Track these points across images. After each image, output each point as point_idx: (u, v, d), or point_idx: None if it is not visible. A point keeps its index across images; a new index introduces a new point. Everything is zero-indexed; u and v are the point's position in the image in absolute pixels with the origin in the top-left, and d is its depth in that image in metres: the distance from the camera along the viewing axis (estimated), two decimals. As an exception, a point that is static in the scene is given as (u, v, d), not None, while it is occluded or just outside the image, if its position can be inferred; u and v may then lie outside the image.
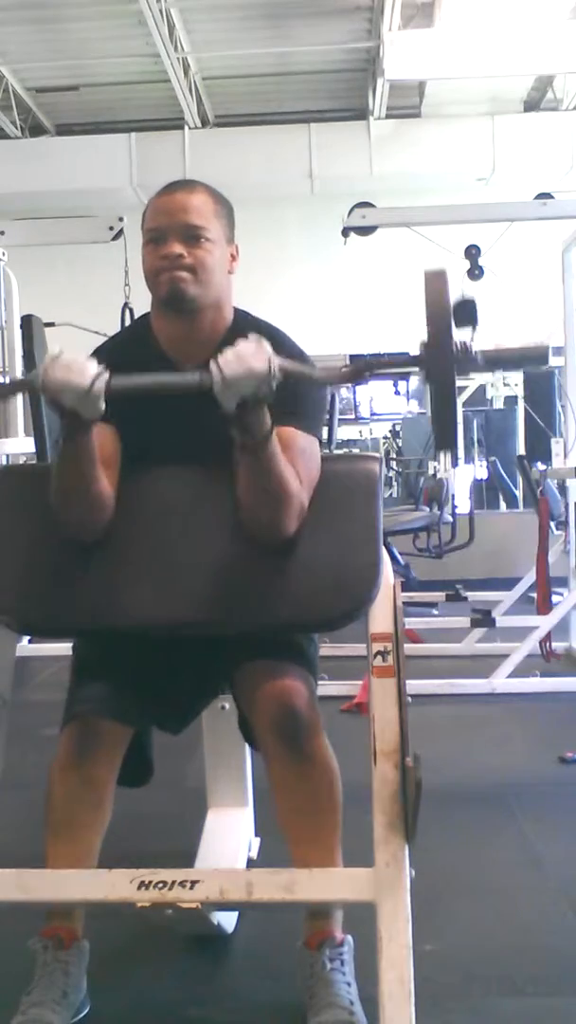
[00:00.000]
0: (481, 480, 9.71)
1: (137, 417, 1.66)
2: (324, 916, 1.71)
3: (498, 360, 1.53)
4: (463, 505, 8.57)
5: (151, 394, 1.58)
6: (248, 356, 1.47)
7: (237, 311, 1.78)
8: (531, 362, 1.81)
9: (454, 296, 1.51)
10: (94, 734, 1.69)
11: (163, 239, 1.66)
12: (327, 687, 3.80)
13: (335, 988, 1.62)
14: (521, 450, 8.58)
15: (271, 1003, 1.78)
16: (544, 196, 5.12)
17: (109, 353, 1.70)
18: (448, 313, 1.48)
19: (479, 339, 1.51)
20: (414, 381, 13.51)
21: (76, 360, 1.50)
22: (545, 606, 4.44)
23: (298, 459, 1.65)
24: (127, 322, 6.21)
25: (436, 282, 1.50)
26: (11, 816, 2.56)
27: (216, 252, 1.69)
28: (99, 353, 1.73)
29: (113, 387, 1.50)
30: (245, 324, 1.71)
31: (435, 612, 5.81)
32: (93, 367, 1.49)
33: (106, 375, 1.49)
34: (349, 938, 1.69)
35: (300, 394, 1.67)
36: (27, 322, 4.94)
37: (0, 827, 2.24)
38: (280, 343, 1.62)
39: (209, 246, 1.67)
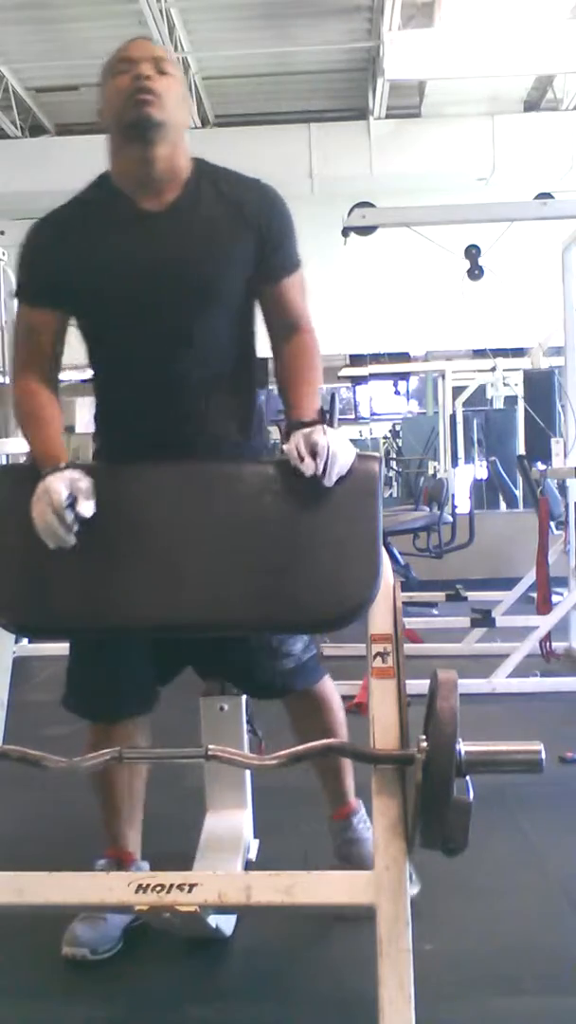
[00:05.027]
0: (481, 480, 9.72)
1: (87, 279, 1.77)
2: (342, 798, 2.11)
3: (486, 763, 1.48)
4: (463, 505, 8.58)
5: None
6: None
7: (196, 160, 1.83)
8: (520, 767, 1.69)
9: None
10: (108, 738, 1.85)
11: (131, 67, 1.74)
12: (327, 687, 3.79)
13: (367, 846, 1.98)
14: (521, 450, 8.57)
15: (270, 1005, 1.78)
16: (544, 196, 5.13)
17: (70, 211, 1.85)
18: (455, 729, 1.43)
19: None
20: (414, 381, 13.53)
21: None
22: (545, 606, 4.43)
23: (306, 299, 1.85)
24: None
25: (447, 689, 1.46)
26: (11, 816, 2.56)
27: (176, 87, 1.78)
28: (57, 214, 1.85)
29: None
30: (210, 171, 1.83)
31: (435, 612, 5.81)
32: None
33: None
34: (360, 802, 2.10)
35: (286, 237, 1.83)
36: (27, 322, 4.94)
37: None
38: (269, 199, 1.82)
39: (172, 80, 1.77)
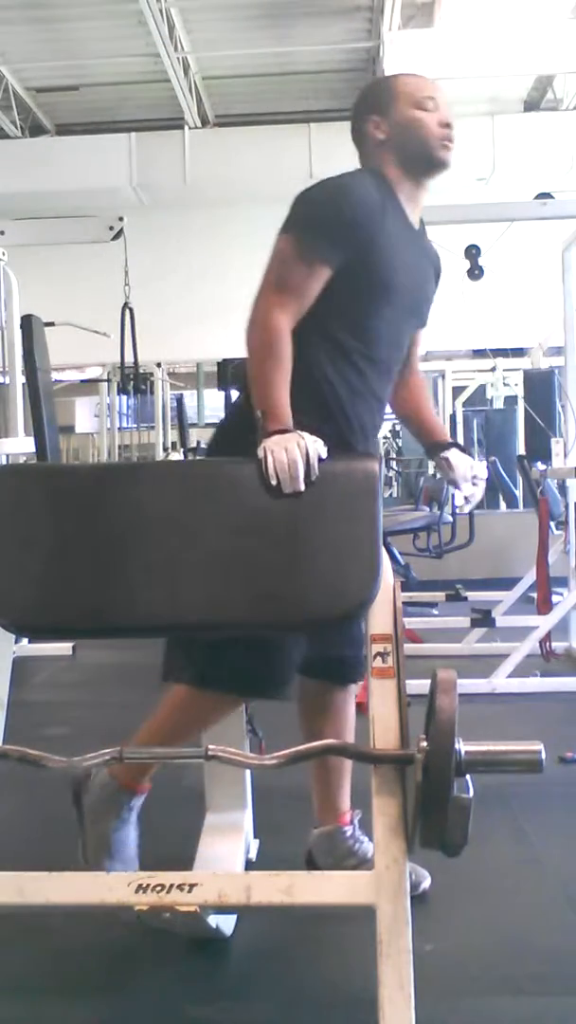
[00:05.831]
0: (481, 480, 9.70)
1: (382, 254, 1.96)
2: (337, 809, 2.15)
3: (486, 763, 1.49)
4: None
5: None
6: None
7: None
8: (520, 767, 1.73)
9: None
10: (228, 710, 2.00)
11: (437, 108, 2.03)
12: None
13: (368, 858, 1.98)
14: (521, 450, 8.58)
15: (270, 1005, 1.78)
16: (544, 196, 5.13)
17: (368, 191, 2.00)
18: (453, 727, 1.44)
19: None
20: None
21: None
22: (545, 606, 4.43)
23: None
24: (127, 322, 6.21)
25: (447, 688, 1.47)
26: (11, 817, 2.56)
27: None
28: (359, 180, 2.04)
29: None
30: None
31: (435, 612, 5.81)
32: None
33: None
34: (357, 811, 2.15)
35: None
36: (27, 322, 4.95)
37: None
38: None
39: None
